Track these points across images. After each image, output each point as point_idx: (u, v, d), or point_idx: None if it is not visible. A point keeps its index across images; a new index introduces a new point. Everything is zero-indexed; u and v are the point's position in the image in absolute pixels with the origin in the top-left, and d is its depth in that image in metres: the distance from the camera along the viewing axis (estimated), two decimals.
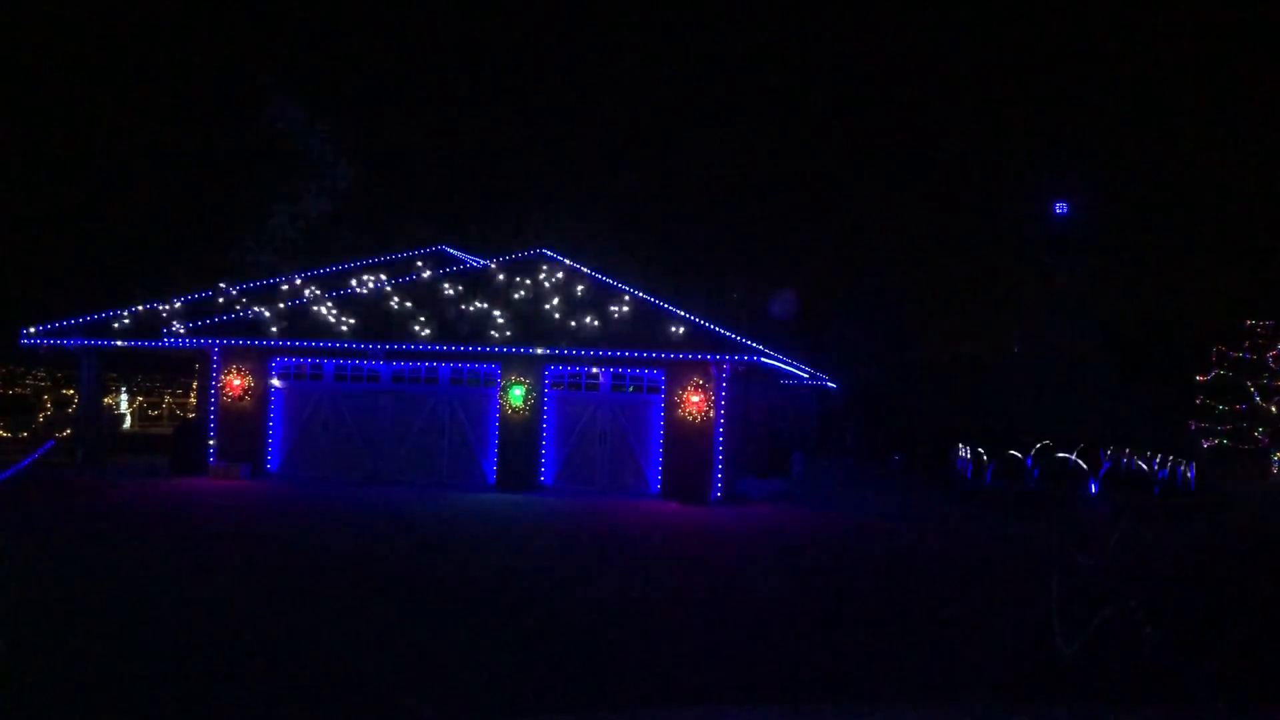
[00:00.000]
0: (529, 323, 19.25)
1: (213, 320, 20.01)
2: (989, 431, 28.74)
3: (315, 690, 6.69)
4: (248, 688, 6.67)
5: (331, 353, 19.85)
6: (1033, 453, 26.51)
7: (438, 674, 7.12)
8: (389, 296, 20.15)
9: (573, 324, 18.96)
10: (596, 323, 18.88)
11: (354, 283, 21.36)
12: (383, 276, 21.55)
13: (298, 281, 22.16)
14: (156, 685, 6.61)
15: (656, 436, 18.98)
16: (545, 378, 19.39)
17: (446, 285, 20.33)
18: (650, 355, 18.50)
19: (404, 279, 21.15)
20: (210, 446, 20.02)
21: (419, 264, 22.32)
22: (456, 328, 19.25)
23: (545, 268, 20.38)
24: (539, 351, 18.86)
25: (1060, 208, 33.28)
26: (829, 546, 14.46)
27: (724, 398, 18.69)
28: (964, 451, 29.30)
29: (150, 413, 35.06)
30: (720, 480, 18.53)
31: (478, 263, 22.65)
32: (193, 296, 21.86)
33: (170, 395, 36.73)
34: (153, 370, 37.15)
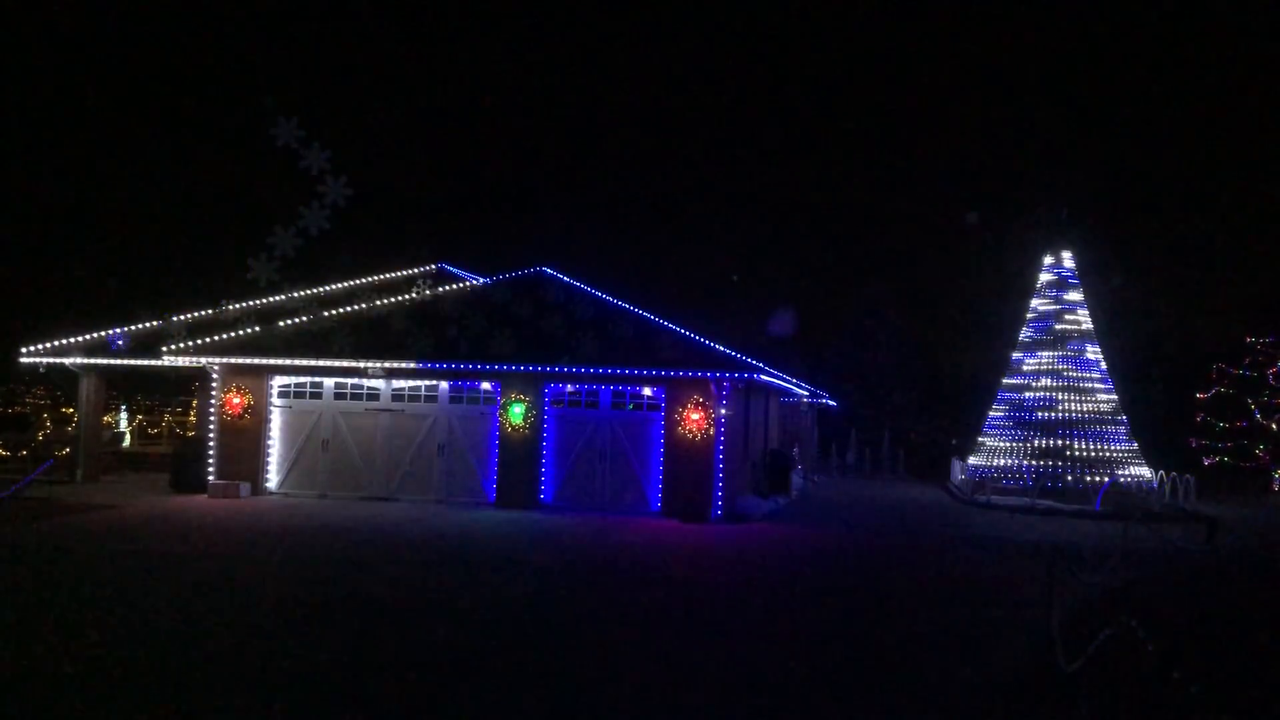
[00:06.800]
0: (529, 341, 19.26)
1: (212, 339, 20.04)
2: (987, 447, 28.72)
3: (306, 712, 6.66)
4: (242, 709, 6.63)
5: (331, 371, 19.86)
6: (1032, 468, 26.48)
7: (433, 690, 7.08)
8: (389, 315, 20.18)
9: (573, 342, 18.97)
10: (596, 340, 18.89)
11: (353, 301, 21.43)
12: (382, 294, 21.62)
13: (297, 300, 22.19)
14: (138, 704, 6.58)
15: (657, 454, 18.95)
16: (545, 395, 19.40)
17: (446, 303, 20.36)
18: (650, 373, 18.52)
19: (404, 297, 21.21)
20: (210, 465, 19.99)
21: (418, 282, 22.42)
22: (456, 346, 19.27)
23: (545, 286, 20.44)
24: (539, 369, 18.87)
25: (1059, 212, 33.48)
26: (828, 566, 14.41)
27: (724, 415, 18.69)
28: (962, 468, 29.29)
29: (150, 431, 35.05)
30: (720, 498, 18.49)
31: (477, 281, 22.71)
32: (192, 315, 21.91)
33: (170, 414, 36.73)
34: (152, 389, 37.20)
